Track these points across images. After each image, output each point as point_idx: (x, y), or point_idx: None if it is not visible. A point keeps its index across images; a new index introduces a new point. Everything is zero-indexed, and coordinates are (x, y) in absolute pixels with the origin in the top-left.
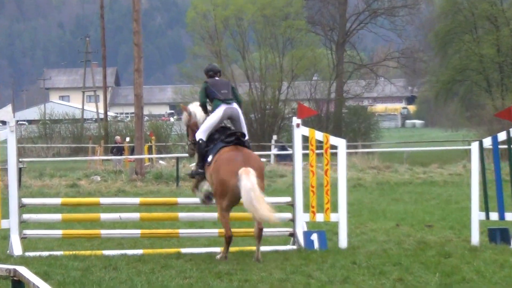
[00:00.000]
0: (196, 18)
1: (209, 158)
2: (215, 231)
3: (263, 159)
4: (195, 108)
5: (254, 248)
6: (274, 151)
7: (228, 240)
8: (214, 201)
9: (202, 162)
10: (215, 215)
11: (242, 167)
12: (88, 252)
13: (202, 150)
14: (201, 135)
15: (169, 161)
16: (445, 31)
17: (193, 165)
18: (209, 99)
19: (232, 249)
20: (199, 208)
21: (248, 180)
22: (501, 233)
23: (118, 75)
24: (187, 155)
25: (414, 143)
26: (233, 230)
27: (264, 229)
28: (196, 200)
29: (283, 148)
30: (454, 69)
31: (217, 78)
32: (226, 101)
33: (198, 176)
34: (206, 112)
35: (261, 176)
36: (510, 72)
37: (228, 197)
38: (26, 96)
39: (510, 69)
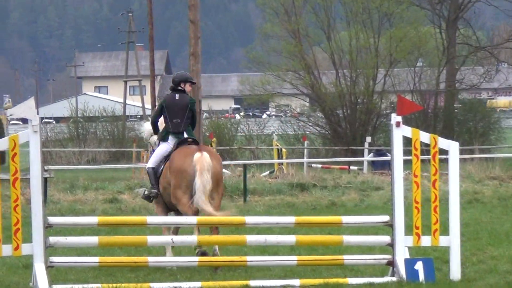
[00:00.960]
0: None
1: (160, 168)
2: (293, 258)
3: (353, 167)
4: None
5: (340, 280)
6: (368, 156)
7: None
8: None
9: (156, 181)
10: (291, 238)
11: (197, 152)
12: (132, 286)
13: (154, 174)
14: (151, 164)
15: (234, 169)
16: None
17: (141, 189)
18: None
19: (315, 281)
20: (272, 229)
21: (202, 166)
22: None
23: (169, 60)
24: (257, 161)
25: None
26: (315, 257)
27: (356, 257)
28: (268, 219)
29: (379, 153)
30: None
31: (177, 96)
32: (176, 134)
33: (155, 196)
34: (155, 132)
35: (215, 156)
36: None
37: (188, 185)
38: (53, 87)
39: None
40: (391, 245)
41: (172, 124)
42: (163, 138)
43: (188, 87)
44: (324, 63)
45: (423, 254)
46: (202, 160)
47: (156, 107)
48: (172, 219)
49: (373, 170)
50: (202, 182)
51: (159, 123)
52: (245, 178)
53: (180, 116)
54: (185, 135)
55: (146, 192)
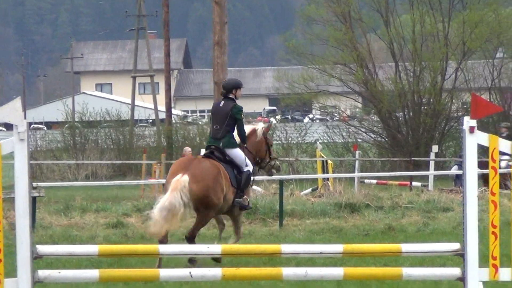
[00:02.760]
0: None
1: None
2: None
3: (416, 183)
4: None
5: None
6: (452, 169)
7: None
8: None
9: None
10: (339, 271)
11: (180, 173)
12: None
13: None
14: None
15: (268, 186)
16: None
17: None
18: None
19: None
20: (315, 260)
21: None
22: None
23: (188, 51)
24: (296, 176)
25: None
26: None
27: None
28: (310, 248)
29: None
30: None
31: (222, 103)
32: (213, 140)
33: None
34: None
35: (198, 179)
36: None
37: None
38: (44, 85)
39: None
40: (462, 279)
41: (213, 130)
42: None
43: (238, 93)
44: (381, 54)
45: None
46: (177, 182)
47: None
48: (190, 247)
49: (457, 185)
50: (169, 199)
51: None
52: (281, 197)
53: (220, 122)
54: (221, 142)
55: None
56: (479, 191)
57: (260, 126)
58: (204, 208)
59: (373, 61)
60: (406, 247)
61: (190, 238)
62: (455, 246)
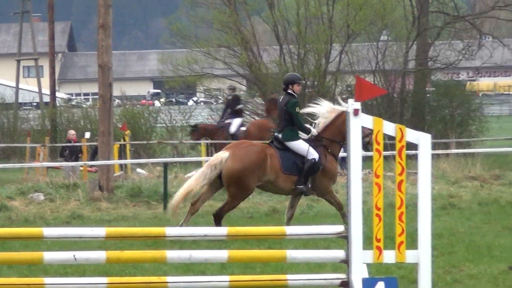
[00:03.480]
0: None
1: None
2: (224, 279)
3: None
4: None
5: None
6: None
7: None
8: None
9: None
10: (223, 254)
11: (227, 151)
12: None
13: None
14: None
15: (152, 169)
16: None
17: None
18: None
19: None
20: (199, 243)
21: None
22: None
23: (73, 34)
24: (180, 159)
25: None
26: (252, 277)
27: (302, 276)
28: (194, 230)
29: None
30: None
31: (281, 98)
32: (278, 133)
33: None
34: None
35: (237, 159)
36: None
37: None
38: None
39: None
40: (346, 261)
41: (277, 124)
42: None
43: (296, 88)
44: (266, 37)
45: (385, 272)
46: (217, 157)
47: None
48: (74, 231)
49: (342, 168)
50: (203, 169)
51: None
52: (165, 180)
53: (280, 117)
54: (281, 135)
55: None
56: (364, 174)
57: (340, 110)
58: (235, 187)
59: (257, 44)
60: (290, 230)
61: (216, 218)
62: (339, 228)
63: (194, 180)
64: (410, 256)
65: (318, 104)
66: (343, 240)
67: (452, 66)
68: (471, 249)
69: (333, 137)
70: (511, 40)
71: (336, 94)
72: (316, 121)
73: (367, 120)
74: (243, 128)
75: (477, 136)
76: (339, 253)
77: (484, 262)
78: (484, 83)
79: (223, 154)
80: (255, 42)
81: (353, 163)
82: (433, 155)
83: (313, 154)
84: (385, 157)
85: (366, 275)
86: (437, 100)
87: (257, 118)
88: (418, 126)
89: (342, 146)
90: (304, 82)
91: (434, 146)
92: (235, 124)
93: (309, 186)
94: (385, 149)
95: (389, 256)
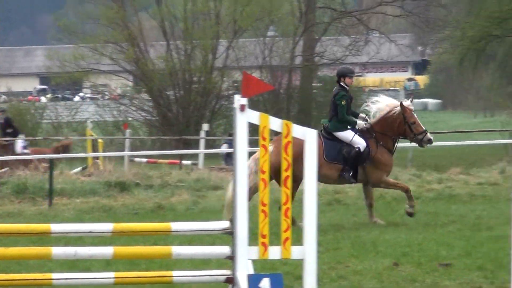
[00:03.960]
0: None
1: None
2: (109, 275)
3: (186, 162)
4: None
5: None
6: (222, 147)
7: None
8: None
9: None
10: (108, 250)
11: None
12: None
13: None
14: None
15: (37, 165)
16: None
17: None
18: None
19: None
20: (84, 239)
21: None
22: None
23: None
24: (66, 155)
25: None
26: (138, 273)
27: (188, 273)
28: (79, 227)
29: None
30: (489, 19)
31: (334, 91)
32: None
33: None
34: None
35: (278, 152)
36: None
37: None
38: None
39: None
40: (231, 257)
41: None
42: None
43: (347, 80)
44: (153, 33)
45: (270, 268)
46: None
47: None
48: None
49: (227, 164)
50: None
51: None
52: (51, 176)
53: (330, 107)
54: (329, 125)
55: None
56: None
57: (397, 105)
58: (286, 176)
59: (144, 40)
60: (176, 226)
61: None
62: (225, 224)
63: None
64: (295, 252)
65: (377, 101)
66: (229, 236)
67: (339, 61)
68: (357, 245)
69: (384, 130)
70: (397, 36)
71: (223, 89)
72: (372, 114)
73: (254, 116)
74: (26, 150)
75: None
76: (225, 249)
77: (369, 258)
78: (371, 78)
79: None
80: (142, 38)
81: (239, 159)
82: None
83: (359, 143)
84: None
85: (252, 271)
86: (324, 96)
87: (143, 114)
88: (304, 122)
89: (395, 140)
90: (354, 74)
91: None
92: (18, 145)
93: (351, 174)
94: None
95: (274, 252)
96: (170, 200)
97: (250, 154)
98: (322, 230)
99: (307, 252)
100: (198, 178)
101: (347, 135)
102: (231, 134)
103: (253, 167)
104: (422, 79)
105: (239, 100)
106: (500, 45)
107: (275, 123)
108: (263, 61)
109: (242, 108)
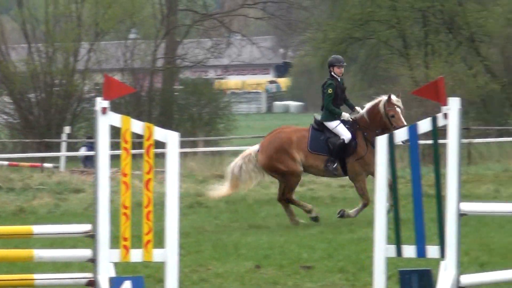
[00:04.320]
0: None
1: None
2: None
3: (48, 165)
4: None
5: None
6: (81, 150)
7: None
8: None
9: None
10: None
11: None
12: None
13: None
14: None
15: None
16: None
17: None
18: None
19: None
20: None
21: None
22: (420, 278)
23: None
24: None
25: None
26: None
27: (50, 276)
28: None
29: (91, 146)
30: (351, 21)
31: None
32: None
33: None
34: None
35: (263, 150)
36: (439, 24)
37: None
38: None
39: (439, 20)
40: (93, 260)
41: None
42: None
43: (336, 70)
44: (14, 36)
45: (132, 271)
46: (246, 152)
47: None
48: None
49: (86, 167)
50: (232, 165)
51: None
52: None
53: (322, 98)
54: (320, 115)
55: None
56: (112, 172)
57: (382, 100)
58: (277, 175)
59: (5, 42)
60: (37, 229)
61: (279, 200)
62: (87, 227)
63: (231, 169)
64: (157, 255)
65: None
66: (90, 239)
67: (201, 64)
68: (218, 247)
69: (368, 123)
70: (259, 38)
71: (84, 92)
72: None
73: (116, 119)
74: None
75: (225, 134)
76: (86, 252)
77: (231, 260)
78: (233, 81)
79: (253, 148)
80: (3, 40)
81: (101, 162)
82: (181, 153)
83: (344, 135)
84: (133, 156)
85: (113, 274)
86: (185, 98)
87: (4, 116)
88: (166, 124)
89: (378, 134)
90: (345, 64)
91: (182, 144)
92: None
93: (336, 166)
94: (134, 147)
95: (136, 255)
96: (32, 203)
97: (112, 157)
98: (183, 233)
99: (169, 254)
100: (60, 181)
101: (334, 125)
102: (90, 137)
103: (244, 166)
104: (284, 82)
105: (100, 102)
106: (362, 47)
107: (137, 126)
108: (125, 64)
109: (104, 110)
